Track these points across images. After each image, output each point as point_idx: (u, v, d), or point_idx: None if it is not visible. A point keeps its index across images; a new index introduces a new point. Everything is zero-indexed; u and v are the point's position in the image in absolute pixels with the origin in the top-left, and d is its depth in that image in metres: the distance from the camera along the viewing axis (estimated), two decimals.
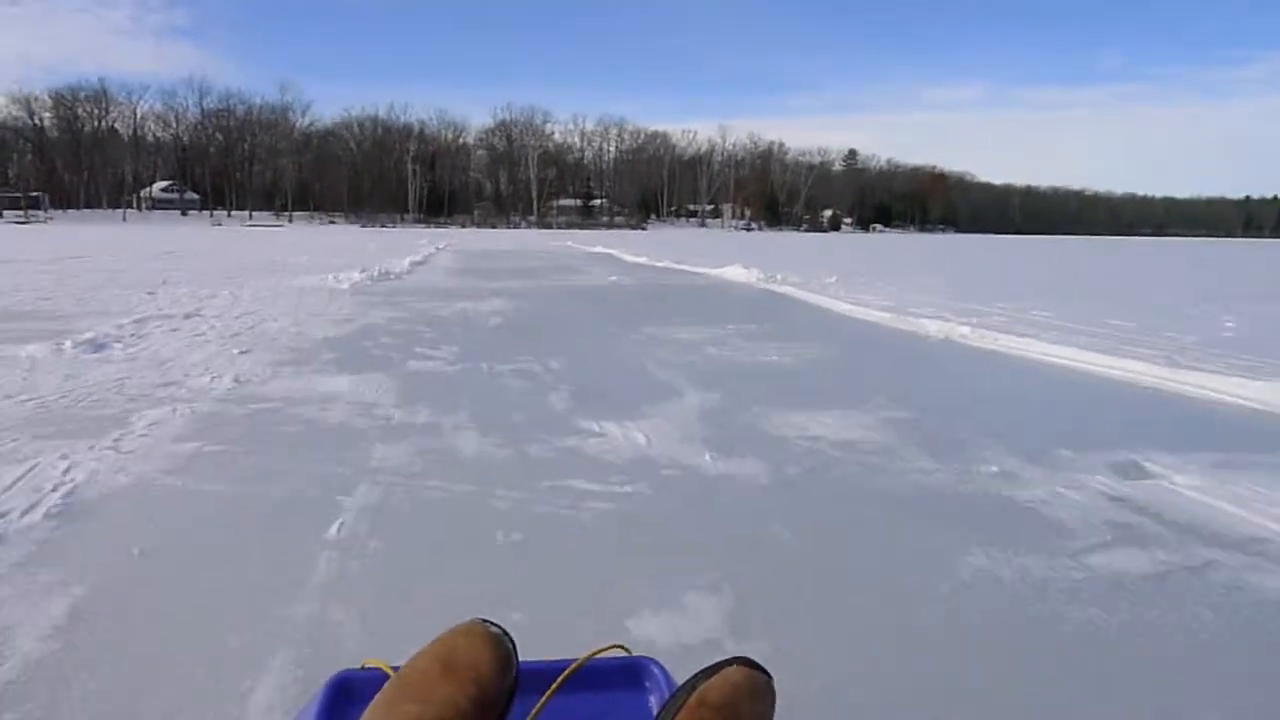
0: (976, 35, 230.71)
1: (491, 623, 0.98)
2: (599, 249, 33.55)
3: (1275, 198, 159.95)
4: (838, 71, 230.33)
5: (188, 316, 9.33)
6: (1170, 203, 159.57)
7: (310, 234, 59.58)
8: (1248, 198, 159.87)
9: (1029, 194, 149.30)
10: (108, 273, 16.51)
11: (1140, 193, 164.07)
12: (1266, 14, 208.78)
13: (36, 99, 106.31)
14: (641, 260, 24.68)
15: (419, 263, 21.66)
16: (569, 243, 43.91)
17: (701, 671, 0.89)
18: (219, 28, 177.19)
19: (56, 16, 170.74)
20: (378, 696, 0.92)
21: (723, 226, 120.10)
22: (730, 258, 23.44)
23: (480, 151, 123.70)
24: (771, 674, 0.91)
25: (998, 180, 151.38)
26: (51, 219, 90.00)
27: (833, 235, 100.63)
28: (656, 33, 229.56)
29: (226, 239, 42.50)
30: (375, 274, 15.94)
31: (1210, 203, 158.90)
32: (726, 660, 0.91)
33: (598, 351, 7.74)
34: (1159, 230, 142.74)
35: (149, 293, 12.31)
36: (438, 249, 31.83)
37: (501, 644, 0.96)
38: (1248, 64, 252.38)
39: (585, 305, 12.53)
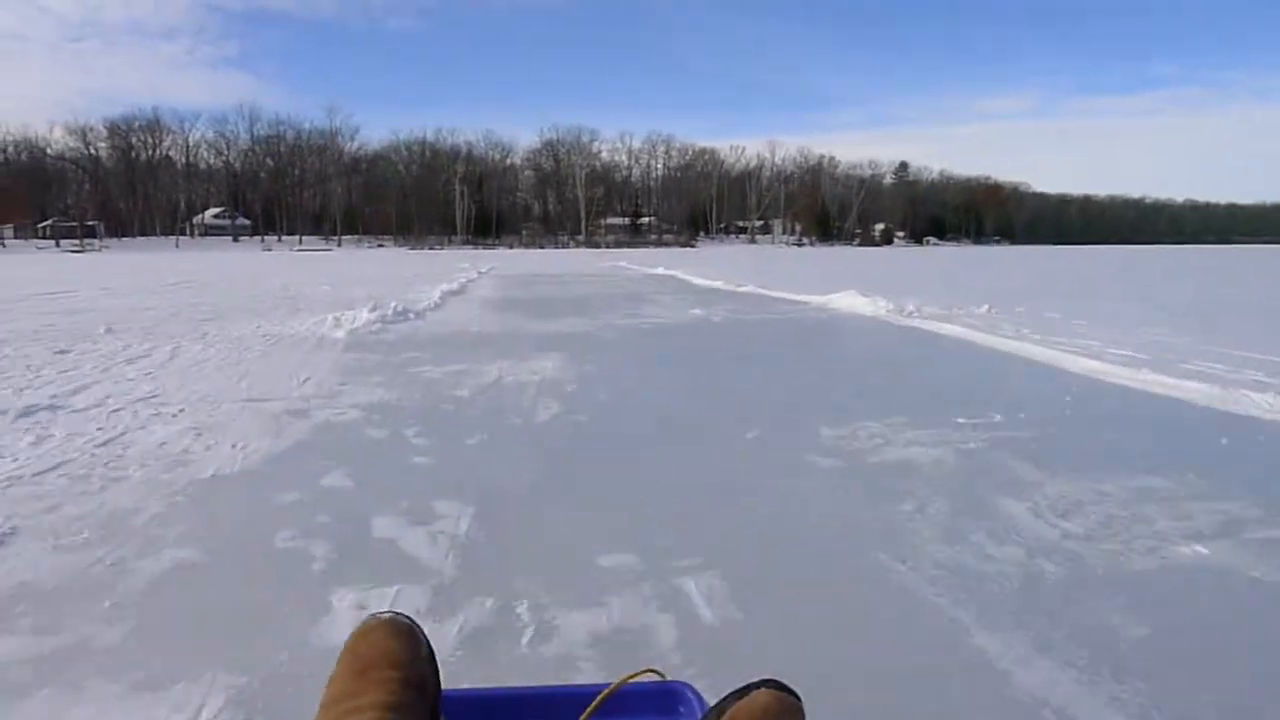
0: (1027, 45, 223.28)
1: (382, 612, 0.98)
2: (660, 270, 29.38)
3: None
4: (886, 85, 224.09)
5: (24, 414, 5.34)
6: (1234, 209, 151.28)
7: (353, 258, 56.42)
8: None
9: (1086, 203, 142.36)
10: (62, 314, 12.79)
11: (1202, 200, 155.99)
12: None
13: (92, 129, 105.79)
14: (716, 284, 20.40)
15: (454, 292, 17.69)
16: (622, 263, 39.85)
17: (731, 694, 0.86)
18: (270, 57, 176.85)
19: (116, 51, 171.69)
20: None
21: (773, 242, 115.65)
22: (825, 280, 19.21)
23: (528, 172, 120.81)
24: (800, 695, 0.86)
25: (1052, 190, 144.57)
26: (107, 247, 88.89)
27: (887, 250, 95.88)
28: (702, 53, 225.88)
29: (260, 265, 39.09)
30: (392, 311, 11.96)
31: (1277, 208, 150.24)
32: (755, 683, 0.87)
33: (762, 510, 3.52)
34: (1224, 238, 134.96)
35: (60, 351, 8.46)
36: (479, 274, 27.94)
37: (398, 623, 0.95)
38: None
39: (681, 364, 8.36)
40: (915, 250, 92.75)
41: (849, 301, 13.43)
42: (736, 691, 0.86)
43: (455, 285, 19.23)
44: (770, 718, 0.83)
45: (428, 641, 0.96)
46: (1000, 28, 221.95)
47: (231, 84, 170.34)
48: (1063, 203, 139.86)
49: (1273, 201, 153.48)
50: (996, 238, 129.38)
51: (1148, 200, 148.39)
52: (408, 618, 0.97)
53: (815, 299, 14.71)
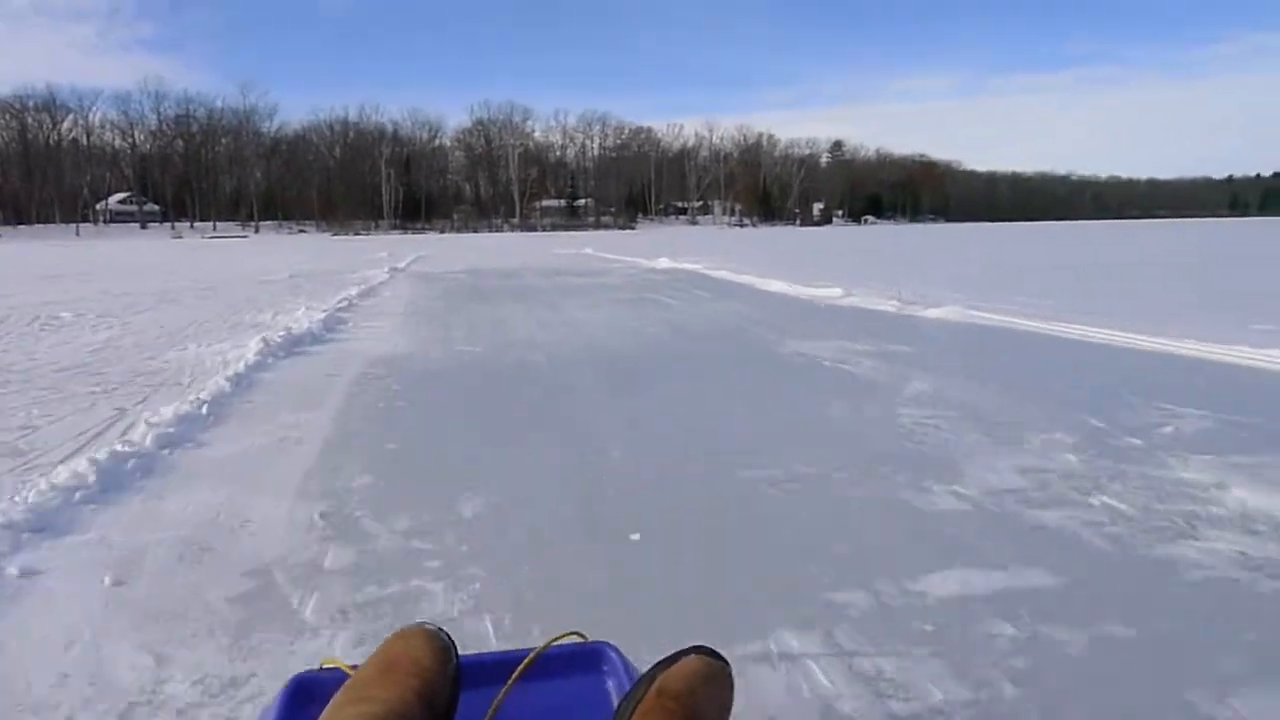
0: (945, 23, 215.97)
1: (427, 623, 0.96)
2: (665, 262, 19.14)
3: (1259, 176, 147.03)
4: (818, 62, 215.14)
5: None
6: (1154, 184, 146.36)
7: (256, 247, 44.98)
8: (1230, 177, 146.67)
9: (1015, 181, 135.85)
10: None
11: (1124, 175, 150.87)
12: None
13: None
14: (823, 293, 10.51)
15: (306, 340, 7.61)
16: (587, 250, 29.70)
17: (660, 662, 0.85)
18: (187, 39, 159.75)
19: (22, 33, 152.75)
20: (330, 702, 0.87)
21: (714, 223, 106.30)
22: (938, 281, 9.68)
23: (458, 153, 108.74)
24: (729, 660, 0.86)
25: (982, 168, 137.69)
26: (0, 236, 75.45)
27: (842, 229, 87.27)
28: (635, 30, 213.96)
29: (110, 259, 27.68)
30: None
31: (1194, 183, 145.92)
32: (684, 650, 0.86)
33: None
34: (1146, 213, 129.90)
35: None
36: (394, 271, 17.67)
37: (437, 638, 0.93)
38: (1218, 42, 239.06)
39: None
40: (873, 230, 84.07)
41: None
42: (666, 659, 0.85)
43: (330, 305, 8.99)
44: (699, 681, 0.82)
45: (457, 662, 0.92)
46: (921, 6, 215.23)
47: (149, 68, 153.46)
48: (993, 180, 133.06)
49: (1190, 177, 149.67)
50: (931, 216, 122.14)
51: (1074, 177, 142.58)
52: (447, 635, 0.94)
53: (1204, 349, 5.13)
